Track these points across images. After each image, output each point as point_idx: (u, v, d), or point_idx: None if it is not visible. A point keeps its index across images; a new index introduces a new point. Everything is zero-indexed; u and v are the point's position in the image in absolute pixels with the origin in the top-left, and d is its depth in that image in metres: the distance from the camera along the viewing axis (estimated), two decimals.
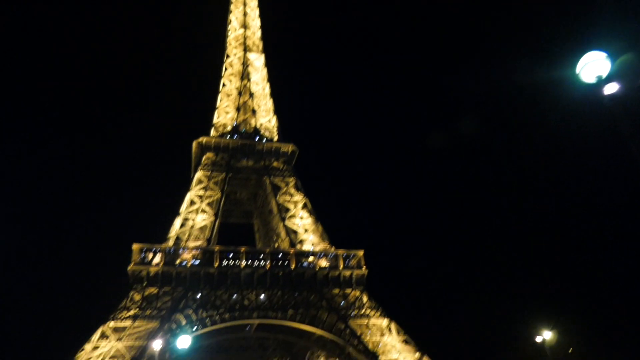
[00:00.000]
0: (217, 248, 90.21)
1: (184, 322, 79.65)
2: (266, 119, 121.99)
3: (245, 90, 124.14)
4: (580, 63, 12.97)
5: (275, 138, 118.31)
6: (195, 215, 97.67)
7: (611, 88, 12.36)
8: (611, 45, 12.92)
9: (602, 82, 12.54)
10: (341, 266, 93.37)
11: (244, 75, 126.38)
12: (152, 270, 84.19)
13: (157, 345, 44.63)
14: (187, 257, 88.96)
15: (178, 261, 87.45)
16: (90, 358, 72.98)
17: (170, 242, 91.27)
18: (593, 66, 12.74)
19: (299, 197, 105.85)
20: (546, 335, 47.99)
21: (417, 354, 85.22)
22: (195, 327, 79.29)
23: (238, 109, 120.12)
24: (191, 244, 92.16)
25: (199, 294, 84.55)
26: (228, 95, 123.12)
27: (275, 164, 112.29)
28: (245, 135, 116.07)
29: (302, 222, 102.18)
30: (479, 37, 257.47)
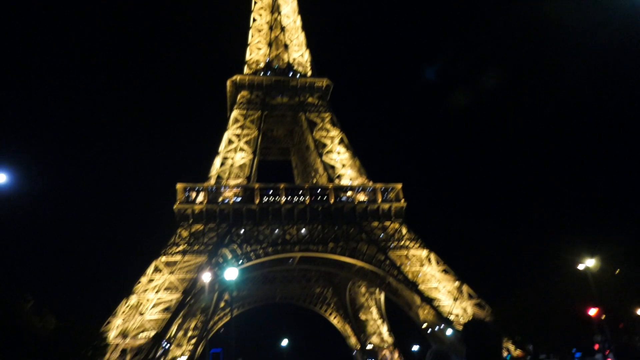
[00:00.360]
0: (257, 185, 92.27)
1: (229, 256, 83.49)
2: (299, 54, 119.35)
3: (276, 24, 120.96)
4: None
5: (309, 73, 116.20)
6: (234, 154, 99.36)
7: None
8: None
9: None
10: (379, 199, 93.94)
11: (274, 8, 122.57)
12: (197, 208, 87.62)
13: (206, 277, 47.16)
14: (229, 194, 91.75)
15: (220, 199, 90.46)
16: (146, 289, 78.47)
17: (212, 181, 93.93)
18: None
19: (335, 133, 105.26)
20: (589, 263, 47.23)
21: (457, 283, 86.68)
22: (241, 260, 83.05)
23: (270, 45, 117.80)
24: (232, 182, 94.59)
25: (242, 230, 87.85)
26: (259, 31, 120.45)
27: (310, 99, 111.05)
28: (278, 72, 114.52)
29: (339, 157, 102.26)
30: None
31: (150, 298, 77.69)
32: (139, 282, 78.62)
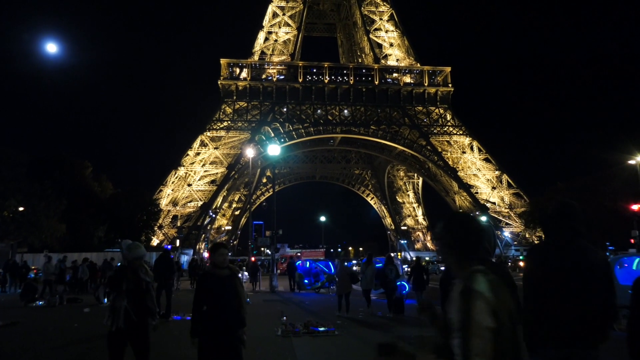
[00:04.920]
0: (301, 63, 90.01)
1: (272, 134, 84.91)
2: None
3: None
4: None
5: None
6: (278, 28, 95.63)
7: None
8: None
9: None
10: (426, 83, 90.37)
11: None
12: (240, 84, 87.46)
13: (249, 153, 48.50)
14: (272, 72, 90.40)
15: (264, 76, 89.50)
16: (193, 162, 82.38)
17: (256, 57, 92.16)
18: None
19: (385, 8, 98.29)
20: None
21: (497, 172, 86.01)
22: (283, 139, 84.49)
23: None
24: (275, 58, 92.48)
25: (285, 108, 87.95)
26: None
27: None
28: None
29: (387, 35, 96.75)
30: None
31: (197, 170, 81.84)
32: (187, 155, 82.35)
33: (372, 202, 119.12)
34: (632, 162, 46.82)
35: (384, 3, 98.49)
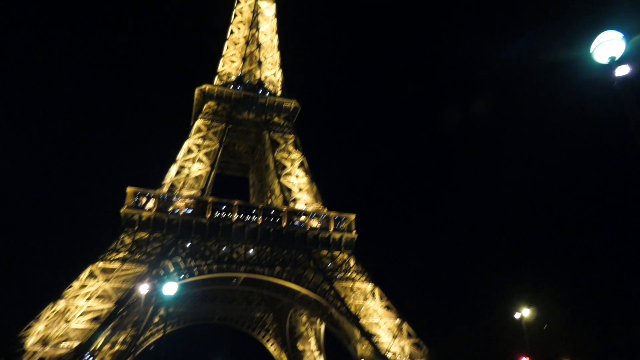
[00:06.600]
0: (210, 199, 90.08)
1: (172, 269, 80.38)
2: (271, 72, 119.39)
3: (253, 40, 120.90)
4: (594, 42, 11.87)
5: (279, 93, 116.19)
6: (191, 164, 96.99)
7: (622, 71, 11.27)
8: (627, 26, 11.78)
9: (614, 63, 11.46)
10: (332, 228, 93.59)
11: (253, 23, 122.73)
12: (145, 215, 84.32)
13: (143, 289, 44.66)
14: (180, 205, 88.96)
15: (171, 208, 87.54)
16: (77, 295, 74.01)
17: (165, 189, 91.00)
18: (607, 46, 11.68)
19: (296, 155, 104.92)
20: (525, 312, 48.43)
21: (398, 320, 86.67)
22: (183, 275, 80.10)
23: (244, 59, 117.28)
24: (185, 192, 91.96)
25: (189, 243, 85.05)
26: (235, 44, 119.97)
27: (276, 119, 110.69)
28: (249, 87, 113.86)
29: (297, 180, 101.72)
30: (492, 12, 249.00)
31: (80, 305, 73.30)
32: (70, 287, 74.16)
33: (272, 349, 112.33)
34: (517, 315, 49.86)
35: (296, 150, 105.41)
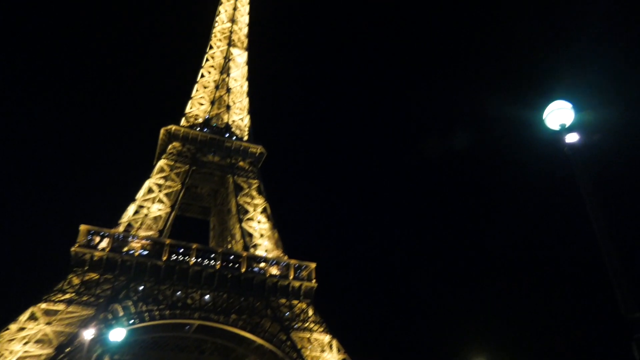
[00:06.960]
0: (168, 241, 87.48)
1: (121, 313, 76.37)
2: (239, 117, 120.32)
3: (223, 85, 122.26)
4: (547, 109, 12.69)
5: (246, 137, 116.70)
6: (151, 204, 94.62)
7: (572, 138, 12.05)
8: (577, 97, 12.73)
9: (564, 130, 12.24)
10: (291, 276, 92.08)
11: (224, 69, 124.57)
12: (97, 254, 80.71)
13: (88, 334, 41.99)
14: (136, 246, 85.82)
15: (125, 249, 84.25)
16: (13, 339, 68.83)
17: (121, 228, 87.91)
18: (558, 114, 12.45)
19: (259, 201, 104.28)
20: None
21: None
22: (133, 320, 76.16)
23: (212, 103, 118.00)
24: (142, 233, 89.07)
25: (142, 286, 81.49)
26: (205, 87, 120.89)
27: (241, 163, 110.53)
28: (215, 130, 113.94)
29: (259, 226, 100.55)
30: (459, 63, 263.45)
31: (15, 350, 68.08)
32: (7, 329, 69.06)
33: None
34: None
35: (260, 196, 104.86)
